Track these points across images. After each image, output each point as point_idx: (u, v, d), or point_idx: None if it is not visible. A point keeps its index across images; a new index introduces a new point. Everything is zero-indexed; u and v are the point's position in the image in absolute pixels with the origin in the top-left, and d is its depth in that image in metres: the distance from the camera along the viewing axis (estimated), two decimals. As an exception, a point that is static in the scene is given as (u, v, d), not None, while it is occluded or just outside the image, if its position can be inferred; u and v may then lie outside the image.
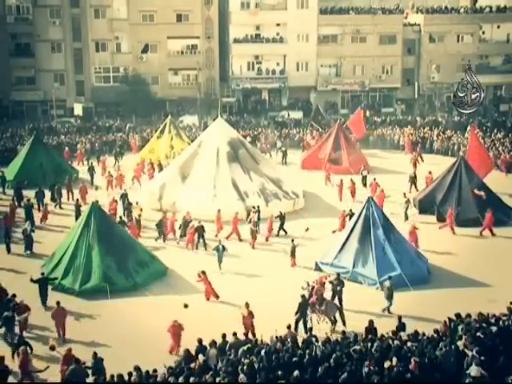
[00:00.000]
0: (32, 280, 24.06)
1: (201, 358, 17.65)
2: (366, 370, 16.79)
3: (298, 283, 23.75)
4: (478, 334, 18.82)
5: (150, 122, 59.21)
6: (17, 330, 21.12)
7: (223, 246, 27.47)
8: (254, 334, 20.88)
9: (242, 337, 19.39)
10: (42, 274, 24.66)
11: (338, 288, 23.74)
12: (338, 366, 17.11)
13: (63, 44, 64.13)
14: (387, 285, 23.92)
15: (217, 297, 24.58)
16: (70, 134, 54.70)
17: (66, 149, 49.24)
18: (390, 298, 23.69)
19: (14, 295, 22.11)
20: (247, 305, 21.63)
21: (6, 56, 62.66)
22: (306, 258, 28.21)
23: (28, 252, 29.60)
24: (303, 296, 22.04)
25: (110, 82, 64.66)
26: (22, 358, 18.35)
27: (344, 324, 22.11)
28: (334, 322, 22.26)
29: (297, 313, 21.94)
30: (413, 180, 39.88)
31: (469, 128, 53.88)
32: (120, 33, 64.24)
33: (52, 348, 19.37)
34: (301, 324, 21.93)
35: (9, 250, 29.88)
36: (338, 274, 24.53)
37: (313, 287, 22.56)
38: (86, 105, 63.40)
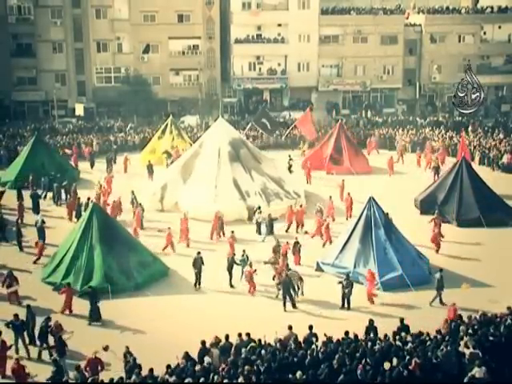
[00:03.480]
0: (82, 293, 23.91)
1: (207, 360, 17.66)
2: (359, 371, 16.87)
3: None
4: (480, 333, 18.84)
5: (151, 122, 59.20)
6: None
7: (247, 257, 26.59)
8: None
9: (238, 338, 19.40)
10: (90, 287, 23.94)
11: (347, 289, 23.97)
12: (340, 366, 17.15)
13: (64, 44, 64.05)
14: (437, 276, 24.33)
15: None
16: (71, 134, 54.73)
17: (74, 148, 49.17)
18: (439, 289, 24.09)
19: (48, 317, 21.18)
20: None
21: (8, 56, 62.56)
22: (307, 258, 28.26)
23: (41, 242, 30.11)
24: (287, 275, 24.19)
25: (112, 82, 64.65)
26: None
27: (302, 293, 24.60)
28: (294, 289, 24.42)
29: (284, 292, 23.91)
30: (436, 170, 41.29)
31: (470, 128, 54.29)
32: (121, 33, 64.24)
33: (105, 349, 19.16)
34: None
35: (21, 248, 30.14)
36: (348, 275, 24.66)
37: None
38: (87, 105, 63.36)
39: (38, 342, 20.75)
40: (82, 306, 23.98)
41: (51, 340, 20.35)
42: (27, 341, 20.97)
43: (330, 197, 35.08)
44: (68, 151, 48.72)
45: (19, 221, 32.51)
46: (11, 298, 24.07)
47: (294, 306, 23.98)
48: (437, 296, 24.23)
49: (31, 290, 24.75)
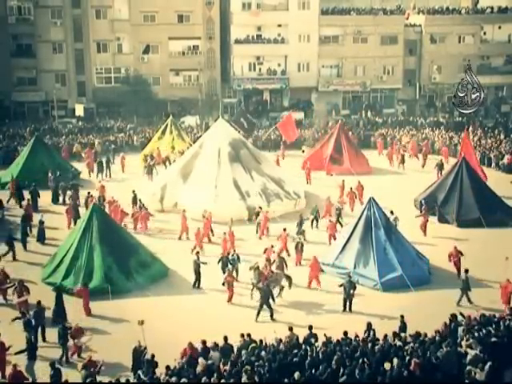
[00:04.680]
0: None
1: (201, 360, 17.67)
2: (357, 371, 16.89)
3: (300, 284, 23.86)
4: (480, 334, 18.85)
5: (151, 122, 59.17)
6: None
7: (238, 256, 26.71)
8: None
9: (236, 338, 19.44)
10: (56, 286, 24.04)
11: (349, 291, 23.81)
12: (340, 366, 17.15)
13: (64, 45, 64.03)
14: (463, 277, 24.51)
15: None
16: (71, 135, 54.71)
17: (64, 147, 49.46)
18: (465, 289, 24.18)
19: (65, 320, 21.14)
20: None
21: (8, 57, 62.53)
22: (307, 259, 28.24)
23: (40, 243, 30.40)
24: (267, 285, 23.57)
25: (112, 82, 64.63)
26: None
27: (290, 286, 24.83)
28: (282, 288, 24.70)
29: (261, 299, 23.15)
30: (440, 167, 42.40)
31: (470, 129, 54.29)
32: (121, 33, 64.22)
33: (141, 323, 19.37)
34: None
35: (25, 248, 30.29)
36: (349, 276, 24.54)
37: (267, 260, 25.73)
38: (87, 105, 63.34)
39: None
40: (80, 305, 24.03)
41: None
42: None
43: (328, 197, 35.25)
44: (84, 154, 48.52)
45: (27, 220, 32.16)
46: (21, 308, 23.10)
47: (271, 316, 23.09)
48: (462, 296, 24.31)
49: (31, 291, 24.64)
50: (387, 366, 16.88)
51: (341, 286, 24.19)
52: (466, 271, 24.81)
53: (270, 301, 23.44)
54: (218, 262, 26.46)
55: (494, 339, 18.60)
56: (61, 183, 38.42)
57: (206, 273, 26.20)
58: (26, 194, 36.64)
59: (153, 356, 18.17)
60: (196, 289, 25.96)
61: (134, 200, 34.88)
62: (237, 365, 17.29)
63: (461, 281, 24.76)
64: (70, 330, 20.54)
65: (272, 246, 27.96)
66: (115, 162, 47.26)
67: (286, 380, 16.55)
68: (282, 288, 24.73)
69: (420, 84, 68.21)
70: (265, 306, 23.18)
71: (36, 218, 32.45)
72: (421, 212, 33.37)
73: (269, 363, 17.22)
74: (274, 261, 26.01)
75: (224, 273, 25.91)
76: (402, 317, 20.99)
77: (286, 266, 26.19)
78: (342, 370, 16.97)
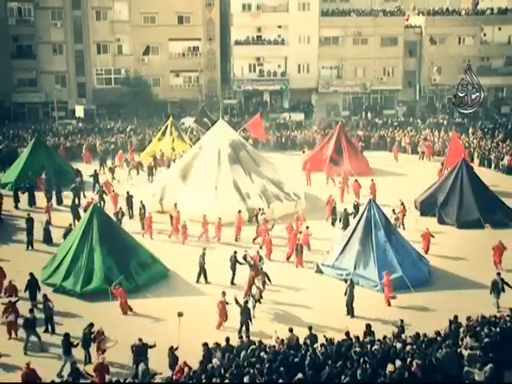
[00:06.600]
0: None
1: (215, 362, 17.74)
2: (359, 371, 16.91)
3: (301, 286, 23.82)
4: (480, 335, 18.86)
5: (151, 123, 59.19)
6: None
7: (260, 257, 26.37)
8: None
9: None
10: (31, 274, 24.63)
11: (350, 294, 23.73)
12: (340, 368, 17.16)
13: (65, 46, 64.09)
14: (496, 279, 24.14)
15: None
16: (71, 136, 54.69)
17: (61, 148, 49.48)
18: (498, 292, 23.89)
19: (91, 324, 20.75)
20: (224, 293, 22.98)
21: (8, 58, 62.60)
22: (307, 260, 28.26)
23: (46, 244, 30.51)
24: (245, 303, 22.54)
25: (112, 83, 64.66)
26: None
27: (269, 281, 25.22)
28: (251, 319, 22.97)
29: (242, 317, 22.14)
30: (442, 164, 42.42)
31: (470, 130, 54.46)
32: (121, 35, 64.24)
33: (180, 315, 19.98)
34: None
35: (31, 246, 30.54)
36: (352, 280, 24.55)
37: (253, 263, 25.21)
38: (87, 107, 63.36)
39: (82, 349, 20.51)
40: (81, 306, 24.04)
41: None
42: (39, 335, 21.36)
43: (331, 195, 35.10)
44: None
45: (49, 221, 32.06)
46: (9, 328, 22.25)
47: (239, 332, 21.76)
48: (498, 299, 24.00)
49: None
50: (391, 367, 16.85)
51: (344, 280, 24.54)
52: (499, 274, 24.48)
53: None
54: (230, 260, 26.53)
55: (493, 340, 18.61)
56: (75, 185, 38.26)
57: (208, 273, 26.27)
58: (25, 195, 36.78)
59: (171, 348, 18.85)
60: (196, 283, 26.58)
61: (129, 201, 35.00)
62: (238, 365, 17.31)
63: (492, 284, 24.18)
64: (93, 334, 20.41)
65: (257, 252, 27.03)
66: (115, 162, 47.50)
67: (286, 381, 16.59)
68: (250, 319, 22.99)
69: (420, 85, 68.17)
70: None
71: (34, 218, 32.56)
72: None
73: (269, 364, 17.23)
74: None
75: (233, 272, 26.20)
76: (402, 321, 20.88)
77: (269, 280, 25.44)
78: (343, 371, 16.99)
